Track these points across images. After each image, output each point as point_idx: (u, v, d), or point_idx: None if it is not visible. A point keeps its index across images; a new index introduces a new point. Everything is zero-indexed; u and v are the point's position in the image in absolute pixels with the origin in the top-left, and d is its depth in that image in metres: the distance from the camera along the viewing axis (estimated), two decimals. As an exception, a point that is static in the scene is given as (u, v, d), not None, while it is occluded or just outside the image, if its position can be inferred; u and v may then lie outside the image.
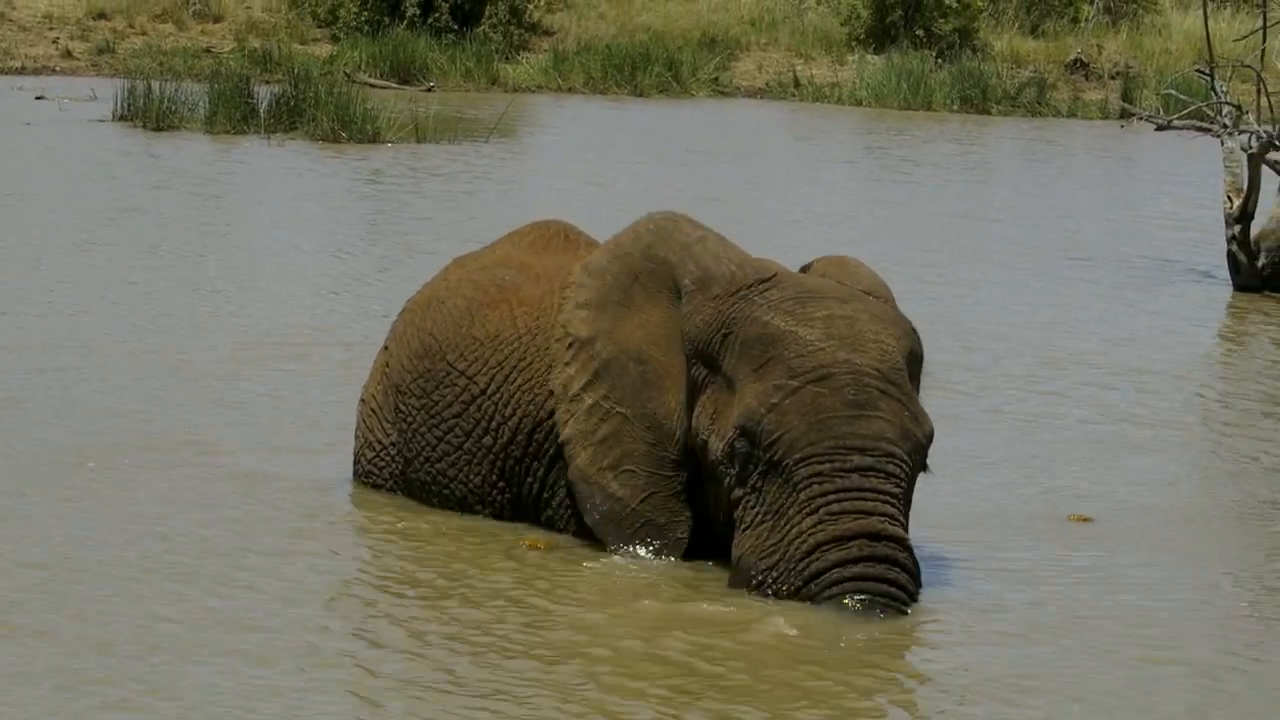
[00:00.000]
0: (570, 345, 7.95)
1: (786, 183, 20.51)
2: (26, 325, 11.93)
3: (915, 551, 7.43)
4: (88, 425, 9.67)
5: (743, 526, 7.48)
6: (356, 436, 8.81)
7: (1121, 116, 23.29)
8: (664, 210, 8.16)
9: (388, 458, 8.60)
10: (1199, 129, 16.20)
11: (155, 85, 22.05)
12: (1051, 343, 12.92)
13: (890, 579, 7.28)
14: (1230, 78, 16.69)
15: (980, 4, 30.95)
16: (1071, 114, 28.52)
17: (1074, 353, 12.62)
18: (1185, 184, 21.11)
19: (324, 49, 28.46)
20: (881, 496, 7.33)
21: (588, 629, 7.19)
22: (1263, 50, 17.05)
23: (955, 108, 28.19)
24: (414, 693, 6.57)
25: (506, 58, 28.84)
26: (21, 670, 6.58)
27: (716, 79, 29.19)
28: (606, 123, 25.49)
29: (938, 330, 12.44)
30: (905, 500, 7.45)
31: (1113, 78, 29.91)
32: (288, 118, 21.64)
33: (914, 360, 7.70)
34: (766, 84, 29.56)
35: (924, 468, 7.60)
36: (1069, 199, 20.27)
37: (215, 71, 23.80)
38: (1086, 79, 30.15)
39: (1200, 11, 23.06)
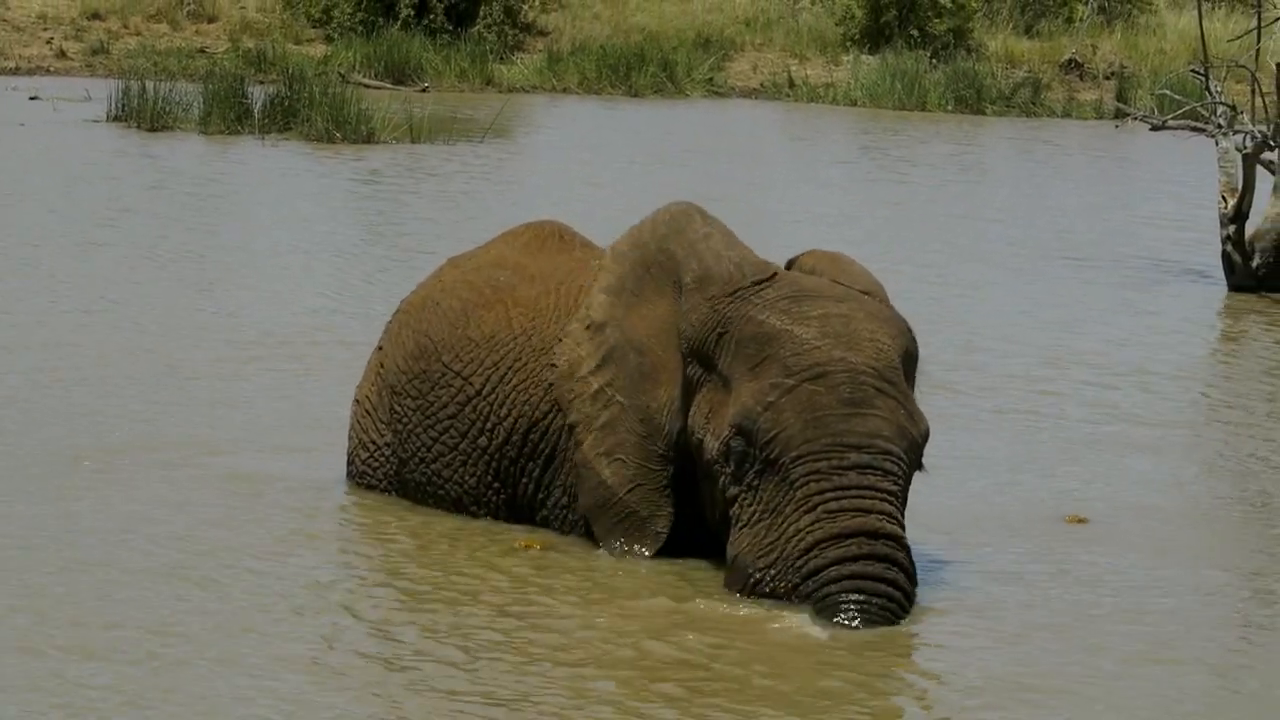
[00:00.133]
0: (588, 326, 7.96)
1: (784, 183, 20.52)
2: (25, 325, 11.92)
3: (911, 550, 7.42)
4: (85, 425, 9.67)
5: (739, 525, 7.48)
6: (350, 437, 8.80)
7: (1116, 117, 23.31)
8: (682, 201, 8.15)
9: (382, 458, 8.60)
10: (1194, 129, 16.21)
11: (150, 86, 22.07)
12: (1048, 343, 12.92)
13: (888, 578, 7.28)
14: (1225, 78, 16.68)
15: (975, 4, 30.97)
16: (1066, 114, 28.55)
17: (1071, 353, 12.63)
18: (1180, 184, 21.13)
19: (318, 49, 28.47)
20: (879, 494, 7.33)
21: (587, 629, 7.18)
22: (1257, 50, 17.06)
23: (950, 108, 28.21)
24: (415, 693, 6.56)
25: (501, 58, 28.85)
26: (22, 673, 6.57)
27: (711, 79, 29.20)
28: (601, 123, 25.50)
29: (937, 330, 12.45)
30: (902, 499, 7.45)
31: (1107, 78, 29.94)
32: (282, 118, 21.64)
33: (909, 359, 7.71)
34: (761, 84, 29.57)
35: (920, 466, 7.60)
36: (1065, 199, 20.28)
37: (210, 72, 23.81)
38: (1081, 79, 30.18)
39: (1195, 11, 23.06)
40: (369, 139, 21.35)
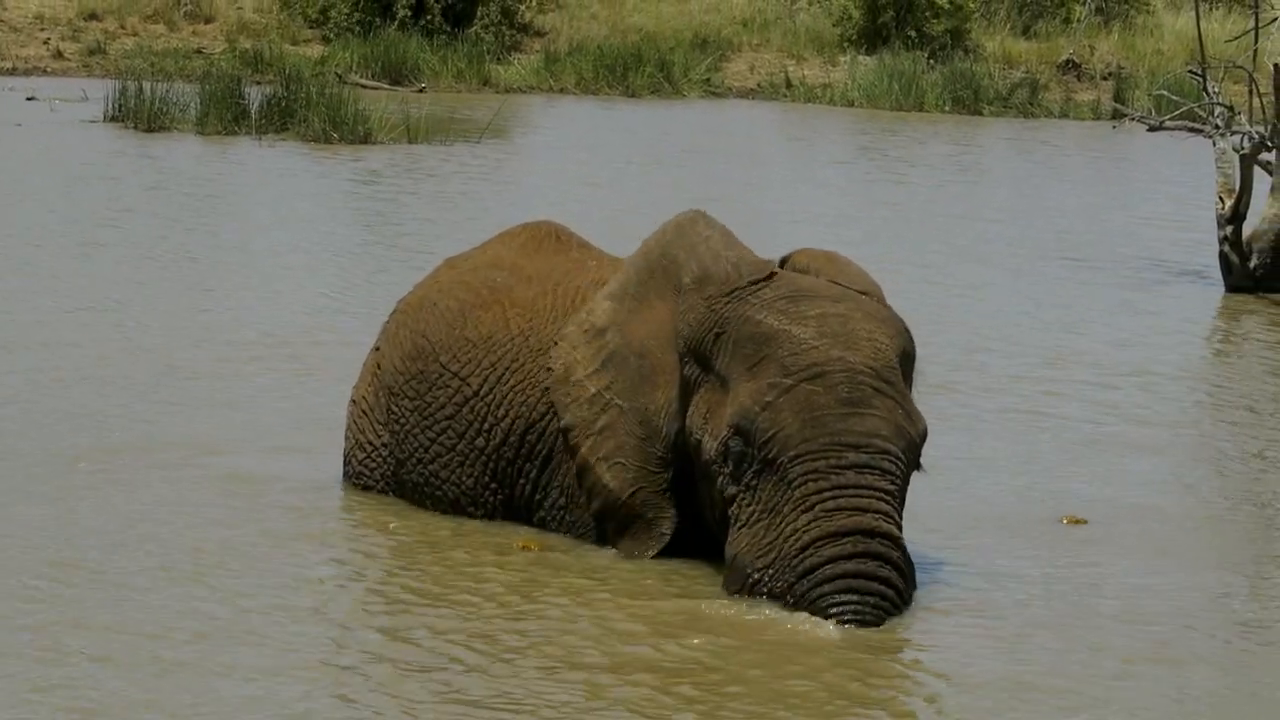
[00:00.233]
0: (587, 330, 7.96)
1: (781, 183, 20.52)
2: (25, 325, 11.92)
3: (909, 550, 7.42)
4: (86, 425, 9.66)
5: (738, 525, 7.48)
6: (347, 438, 8.80)
7: (1114, 117, 23.31)
8: (693, 209, 8.17)
9: (379, 459, 8.59)
10: (1191, 130, 16.21)
11: (146, 86, 22.08)
12: (1047, 343, 12.93)
13: (882, 577, 7.28)
14: (1222, 78, 16.68)
15: (972, 5, 30.98)
16: (1063, 115, 28.57)
17: (1069, 353, 12.63)
18: (1177, 185, 21.14)
19: (315, 50, 28.47)
20: (876, 493, 7.33)
21: (587, 630, 7.18)
22: (1255, 51, 17.07)
23: (947, 108, 28.22)
24: (416, 694, 6.55)
25: (498, 58, 28.86)
26: (20, 677, 6.56)
27: (708, 80, 29.21)
28: (598, 123, 25.50)
29: (936, 330, 12.46)
30: (899, 498, 7.45)
31: (1105, 78, 29.96)
32: (279, 119, 21.65)
33: (907, 359, 7.71)
34: (758, 85, 29.58)
35: (918, 466, 7.60)
36: (1063, 200, 20.29)
37: (206, 72, 23.83)
38: (1078, 80, 30.19)
39: (1192, 12, 23.07)
40: (366, 139, 21.36)
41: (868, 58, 29.78)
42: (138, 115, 21.84)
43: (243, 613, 7.19)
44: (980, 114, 28.17)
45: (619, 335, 7.92)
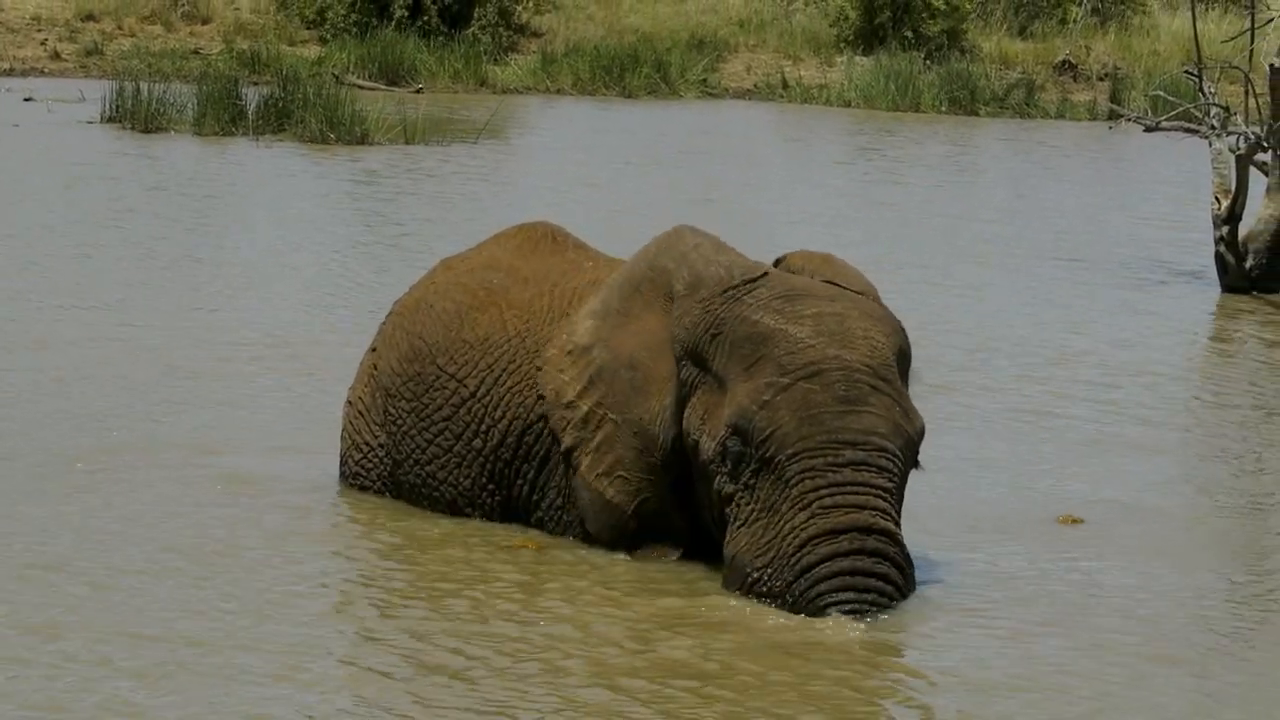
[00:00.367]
0: (570, 352, 7.97)
1: (779, 184, 20.53)
2: (25, 325, 11.93)
3: (907, 547, 7.43)
4: (85, 425, 9.67)
5: (736, 524, 7.49)
6: (343, 438, 8.81)
7: (1110, 118, 23.34)
8: (676, 225, 8.19)
9: (375, 460, 8.61)
10: (1187, 130, 16.23)
11: (144, 87, 22.08)
12: (1045, 343, 12.94)
13: (880, 573, 7.29)
14: (1218, 79, 16.70)
15: (969, 5, 30.99)
16: (1060, 115, 28.58)
17: (1067, 353, 12.64)
18: (1173, 186, 21.15)
19: (312, 50, 28.47)
20: (874, 491, 7.35)
21: (588, 630, 7.19)
22: (1251, 51, 17.07)
23: (943, 109, 28.23)
24: (418, 694, 6.56)
25: (495, 59, 28.86)
26: (12, 683, 6.57)
27: (705, 80, 29.22)
28: (595, 124, 25.51)
29: (936, 330, 12.47)
30: (897, 495, 7.47)
31: (1101, 79, 29.97)
32: (276, 119, 21.65)
33: (903, 357, 7.72)
34: (755, 85, 29.59)
35: (916, 464, 7.61)
36: (1060, 200, 20.30)
37: (203, 73, 23.84)
38: (1075, 80, 30.20)
39: (1188, 12, 23.07)
40: (363, 140, 21.37)
41: (864, 58, 29.79)
42: (135, 116, 21.84)
43: (242, 612, 7.20)
44: (976, 114, 28.18)
45: (605, 350, 7.92)
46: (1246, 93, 16.05)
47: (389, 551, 8.03)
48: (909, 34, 30.22)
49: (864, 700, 6.69)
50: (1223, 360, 13.46)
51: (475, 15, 29.37)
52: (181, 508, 8.42)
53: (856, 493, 7.33)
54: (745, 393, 7.48)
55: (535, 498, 8.16)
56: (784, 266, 7.96)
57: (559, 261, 8.47)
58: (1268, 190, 15.62)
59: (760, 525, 7.42)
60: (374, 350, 8.75)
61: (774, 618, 7.26)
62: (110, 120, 22.01)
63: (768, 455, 7.40)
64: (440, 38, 28.67)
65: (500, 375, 8.20)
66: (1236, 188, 15.54)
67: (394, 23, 28.70)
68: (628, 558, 7.84)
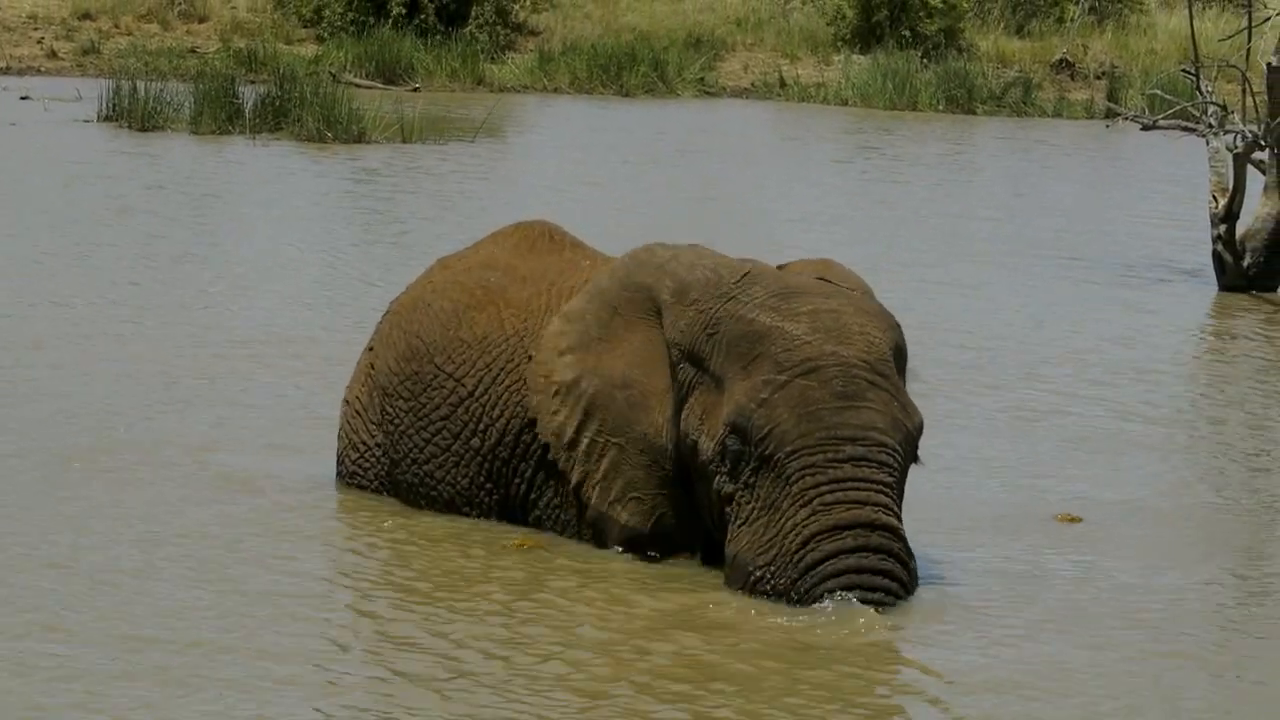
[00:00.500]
0: (556, 393, 7.94)
1: (777, 183, 20.52)
2: (21, 324, 11.92)
3: (908, 541, 7.42)
4: (83, 424, 9.66)
5: (737, 523, 7.49)
6: (340, 438, 8.80)
7: (1107, 116, 23.31)
8: (642, 244, 8.18)
9: (373, 459, 8.60)
10: (1184, 129, 16.22)
11: (140, 85, 22.06)
12: (1042, 342, 12.94)
13: (885, 570, 7.29)
14: (1215, 77, 16.70)
15: (966, 4, 30.98)
16: (1057, 114, 28.57)
17: (1064, 352, 12.64)
18: (1171, 184, 21.15)
19: (309, 49, 28.45)
20: (875, 486, 7.34)
21: (589, 629, 7.18)
22: (1248, 50, 17.06)
23: (941, 108, 28.22)
24: (418, 694, 6.55)
25: (492, 58, 28.84)
26: (11, 682, 6.56)
27: (702, 79, 29.20)
28: (593, 123, 25.51)
29: (935, 329, 12.47)
30: (898, 490, 7.46)
31: (1098, 77, 29.96)
32: (273, 118, 21.64)
33: (900, 353, 7.72)
34: (752, 84, 29.58)
35: (916, 459, 7.61)
36: (1058, 199, 20.29)
37: (200, 72, 23.82)
38: (1072, 79, 30.19)
39: (1186, 11, 23.07)
40: (360, 138, 21.36)
41: (861, 57, 29.78)
42: (132, 115, 21.83)
43: (238, 613, 7.19)
44: (974, 113, 28.17)
45: (594, 378, 7.88)
46: (1244, 91, 16.05)
47: (386, 551, 8.02)
48: (906, 33, 30.21)
49: (864, 698, 6.69)
50: (1221, 358, 13.46)
51: (472, 14, 29.35)
52: (181, 506, 8.41)
53: (857, 488, 7.32)
54: (743, 391, 7.47)
55: (533, 496, 8.15)
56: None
57: (556, 260, 8.46)
58: (1265, 189, 15.62)
59: (761, 523, 7.41)
60: (371, 349, 8.74)
61: (776, 617, 7.25)
62: (107, 119, 22.00)
63: (767, 453, 7.39)
64: (437, 36, 28.66)
65: (498, 374, 8.19)
66: (1234, 186, 15.54)
67: (391, 21, 28.68)
68: (627, 556, 7.83)
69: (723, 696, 6.61)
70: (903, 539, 7.38)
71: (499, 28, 29.55)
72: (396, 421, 8.45)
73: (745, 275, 7.72)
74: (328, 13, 29.11)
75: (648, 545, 7.83)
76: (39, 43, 28.26)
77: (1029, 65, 30.13)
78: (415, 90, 27.01)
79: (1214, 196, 15.69)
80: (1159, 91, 19.81)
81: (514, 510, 8.22)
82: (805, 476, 7.34)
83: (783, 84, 29.31)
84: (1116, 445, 10.36)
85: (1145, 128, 16.55)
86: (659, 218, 16.26)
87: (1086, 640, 7.27)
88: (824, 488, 7.32)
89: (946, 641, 7.21)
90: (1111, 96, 27.32)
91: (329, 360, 10.97)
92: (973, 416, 10.76)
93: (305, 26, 29.46)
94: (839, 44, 30.61)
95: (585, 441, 7.87)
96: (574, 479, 7.90)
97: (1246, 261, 15.53)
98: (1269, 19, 19.30)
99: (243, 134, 21.45)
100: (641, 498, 7.80)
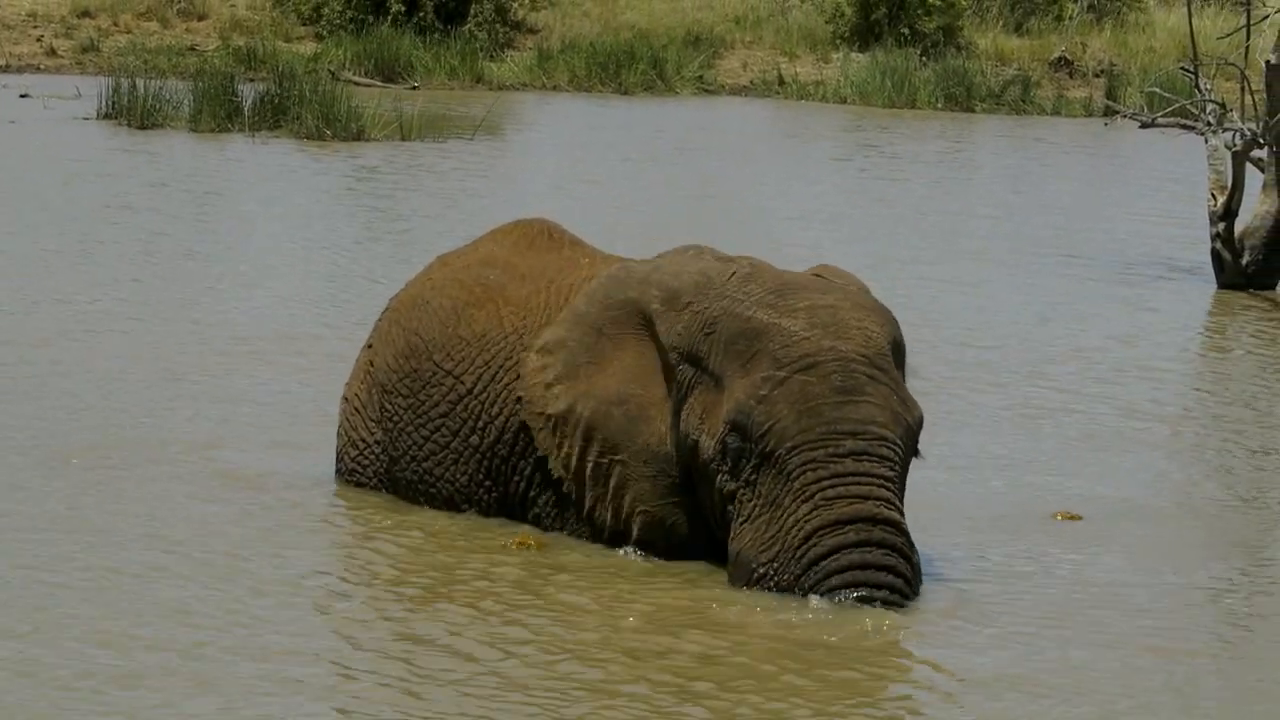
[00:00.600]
0: (555, 427, 7.94)
1: (777, 180, 20.52)
2: (20, 323, 11.92)
3: (911, 535, 7.43)
4: (83, 422, 9.67)
5: (740, 520, 7.50)
6: (339, 435, 8.81)
7: (1106, 114, 23.33)
8: (619, 263, 8.19)
9: (372, 456, 8.61)
10: (1183, 127, 16.23)
11: (140, 83, 22.06)
12: (1041, 339, 12.95)
13: (888, 565, 7.30)
14: (1214, 75, 16.71)
15: (964, 2, 30.99)
16: (1056, 112, 28.57)
17: (1064, 350, 12.65)
18: (1169, 182, 21.15)
19: (308, 47, 28.45)
20: (876, 480, 7.35)
21: (589, 628, 7.18)
22: (1246, 48, 17.08)
23: (940, 106, 28.22)
24: (419, 694, 6.56)
25: (491, 56, 28.84)
26: (22, 678, 6.57)
27: (701, 77, 29.21)
28: (592, 121, 25.51)
29: (935, 328, 12.48)
30: (900, 484, 7.47)
31: (1097, 75, 29.96)
32: (272, 116, 21.65)
33: (897, 348, 7.73)
34: (751, 82, 29.58)
35: (916, 453, 7.61)
36: (1057, 197, 20.30)
37: (200, 69, 23.81)
38: (1071, 77, 30.20)
39: (1184, 9, 23.08)
40: (359, 136, 21.36)
41: (860, 55, 29.78)
42: (131, 112, 21.83)
43: (238, 610, 7.20)
44: (972, 111, 28.17)
45: (588, 401, 7.87)
46: (1242, 89, 16.06)
47: (385, 549, 8.03)
48: (905, 30, 30.22)
49: (865, 697, 6.70)
50: (1220, 356, 13.47)
51: (471, 12, 29.35)
52: (181, 503, 8.42)
53: (859, 483, 7.33)
54: (742, 388, 7.48)
55: (532, 494, 8.16)
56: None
57: (555, 258, 8.47)
58: (1264, 186, 15.63)
59: (764, 520, 7.42)
60: (370, 347, 8.75)
61: (779, 614, 7.25)
62: (106, 117, 22.00)
63: (768, 450, 7.41)
64: (436, 34, 28.66)
65: (497, 372, 8.20)
66: (1233, 184, 15.55)
67: (390, 19, 28.68)
68: (629, 554, 7.84)
69: (724, 694, 6.62)
70: (905, 533, 7.39)
71: (498, 26, 29.55)
72: (395, 419, 8.46)
73: (738, 274, 7.73)
74: (327, 11, 29.11)
75: (663, 555, 7.83)
76: (38, 40, 28.26)
77: (1028, 63, 30.13)
78: (414, 88, 27.01)
79: (1212, 194, 15.70)
80: (1158, 89, 19.81)
81: (513, 507, 8.22)
82: (806, 472, 7.35)
83: (781, 82, 29.32)
84: (1116, 442, 10.37)
85: (1144, 125, 16.57)
86: (657, 215, 16.27)
87: (1097, 639, 7.27)
88: (825, 483, 7.33)
89: (958, 639, 7.21)
90: (1110, 94, 27.33)
91: (332, 357, 10.97)
92: (971, 414, 10.77)
93: (304, 24, 29.46)
94: (838, 42, 30.62)
95: (590, 465, 7.87)
96: (586, 505, 7.91)
97: (1245, 259, 15.54)
98: (1268, 17, 19.33)
99: (242, 132, 21.45)
100: (650, 511, 7.80)
